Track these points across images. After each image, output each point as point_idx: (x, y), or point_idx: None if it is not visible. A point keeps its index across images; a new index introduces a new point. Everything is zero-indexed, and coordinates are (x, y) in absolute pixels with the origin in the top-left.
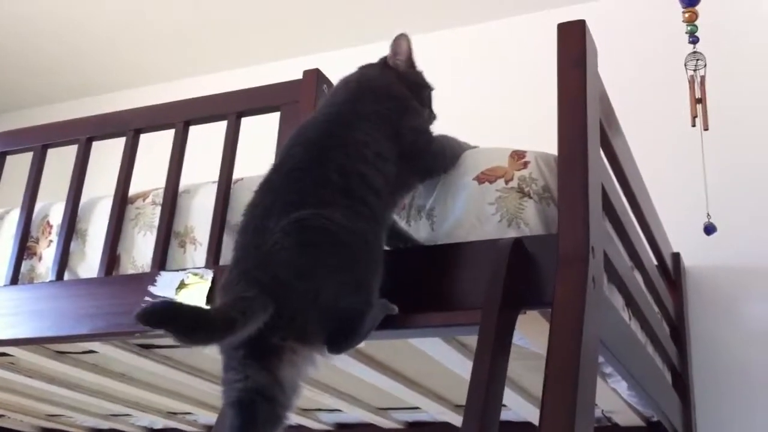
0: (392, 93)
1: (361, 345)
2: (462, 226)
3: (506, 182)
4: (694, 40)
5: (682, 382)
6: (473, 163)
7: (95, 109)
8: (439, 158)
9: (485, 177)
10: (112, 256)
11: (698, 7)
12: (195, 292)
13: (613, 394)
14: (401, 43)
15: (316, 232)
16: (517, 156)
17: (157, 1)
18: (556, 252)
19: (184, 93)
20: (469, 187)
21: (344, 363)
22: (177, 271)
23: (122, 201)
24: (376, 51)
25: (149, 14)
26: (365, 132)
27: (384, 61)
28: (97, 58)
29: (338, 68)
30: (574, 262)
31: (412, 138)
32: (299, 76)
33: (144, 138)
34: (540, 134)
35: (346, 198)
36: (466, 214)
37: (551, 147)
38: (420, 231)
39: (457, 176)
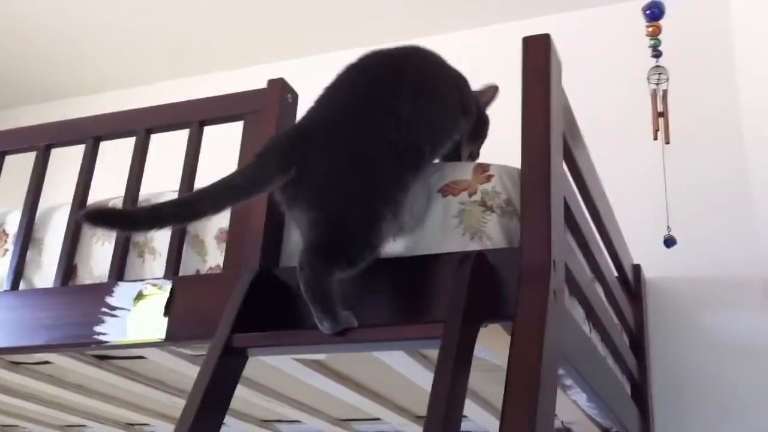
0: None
1: (321, 356)
2: (425, 238)
3: (470, 195)
4: (657, 54)
5: (640, 393)
6: (437, 175)
7: (58, 114)
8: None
9: (449, 189)
10: (69, 266)
11: (662, 22)
12: (153, 304)
13: (572, 406)
14: (489, 91)
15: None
16: (481, 169)
17: (122, 7)
18: (518, 265)
19: (148, 99)
20: (433, 200)
21: (304, 374)
22: (135, 281)
23: (80, 210)
24: (341, 59)
25: (114, 19)
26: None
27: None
28: (62, 62)
29: (304, 76)
30: (536, 276)
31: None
32: (264, 84)
33: (104, 145)
34: (504, 146)
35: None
36: (430, 226)
37: (515, 159)
38: None
39: (421, 188)
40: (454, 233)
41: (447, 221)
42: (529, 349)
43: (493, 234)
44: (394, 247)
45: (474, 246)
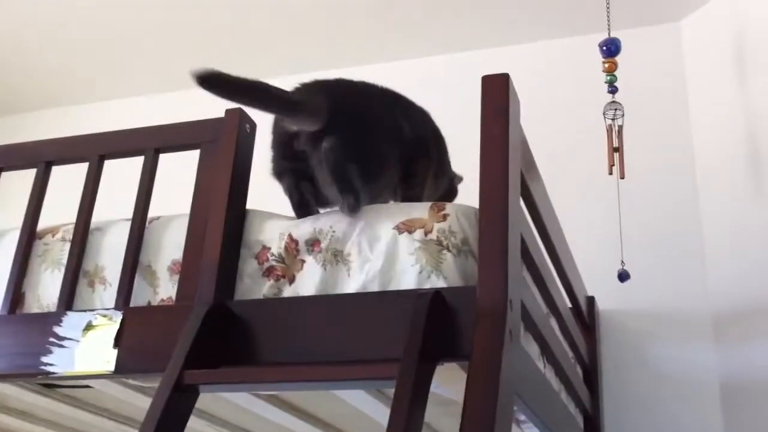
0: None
1: (278, 393)
2: (381, 274)
3: (426, 234)
4: (613, 89)
5: (593, 426)
6: (393, 212)
7: (7, 129)
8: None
9: (405, 227)
10: (16, 294)
11: (618, 58)
12: (103, 334)
13: None
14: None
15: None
16: (437, 208)
17: (82, 18)
18: (474, 304)
19: (101, 116)
20: (388, 236)
21: (258, 406)
22: (85, 311)
23: (30, 236)
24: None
25: (74, 32)
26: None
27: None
28: (9, 76)
29: None
30: (492, 315)
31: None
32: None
33: (56, 170)
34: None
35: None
36: (385, 263)
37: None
38: (336, 277)
39: (377, 223)
40: (410, 271)
41: (403, 258)
42: (484, 389)
43: (448, 273)
44: (349, 283)
45: (430, 284)
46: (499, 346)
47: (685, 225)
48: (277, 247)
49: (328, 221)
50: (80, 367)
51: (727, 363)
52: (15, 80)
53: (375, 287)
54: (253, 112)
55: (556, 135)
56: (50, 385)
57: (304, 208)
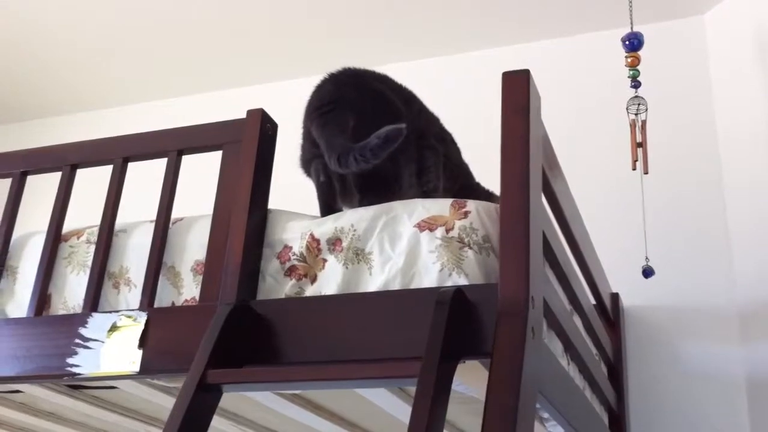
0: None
1: (300, 392)
2: (402, 273)
3: (447, 231)
4: (636, 84)
5: (618, 424)
6: (413, 211)
7: (34, 134)
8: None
9: (426, 225)
10: (42, 296)
11: (641, 53)
12: (128, 335)
13: None
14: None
15: None
16: (458, 205)
17: (104, 22)
18: (496, 301)
19: (126, 120)
20: (410, 234)
21: (280, 405)
22: (110, 312)
23: (55, 238)
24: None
25: (96, 36)
26: None
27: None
28: (35, 81)
29: (286, 99)
30: (514, 313)
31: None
32: (242, 105)
33: (81, 173)
34: (483, 177)
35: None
36: (406, 261)
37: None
38: (358, 275)
39: (398, 222)
40: (432, 269)
41: (424, 256)
42: (506, 386)
43: (470, 270)
44: (371, 282)
45: (451, 282)
46: (521, 344)
47: (710, 220)
48: (298, 246)
49: (350, 219)
50: (105, 368)
51: (754, 359)
52: (37, 86)
53: (396, 286)
54: (275, 113)
55: (579, 131)
56: (77, 386)
57: (327, 189)
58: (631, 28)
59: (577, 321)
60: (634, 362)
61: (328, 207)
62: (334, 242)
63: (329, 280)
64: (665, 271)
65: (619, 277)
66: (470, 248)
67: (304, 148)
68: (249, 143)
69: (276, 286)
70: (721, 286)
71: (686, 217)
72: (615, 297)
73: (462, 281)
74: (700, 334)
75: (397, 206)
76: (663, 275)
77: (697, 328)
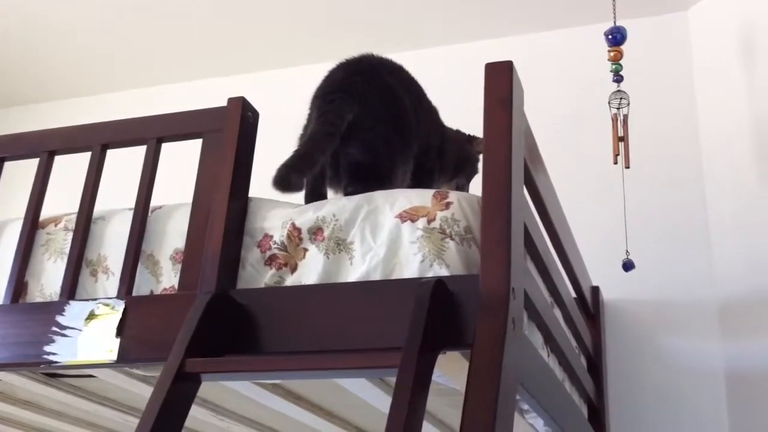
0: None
1: (280, 381)
2: (384, 263)
3: (428, 222)
4: (618, 78)
5: (598, 416)
6: (395, 201)
7: (13, 121)
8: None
9: (408, 216)
10: (19, 283)
11: (623, 47)
12: (105, 324)
13: (530, 430)
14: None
15: None
16: (440, 196)
17: (82, 11)
18: (477, 293)
19: (103, 108)
20: (391, 225)
21: (259, 395)
22: (87, 300)
23: (32, 225)
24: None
25: (75, 26)
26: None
27: (469, 138)
28: (13, 68)
29: (267, 89)
30: (495, 304)
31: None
32: (224, 98)
33: (59, 159)
34: None
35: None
36: (388, 251)
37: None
38: (338, 265)
39: (379, 213)
40: (413, 259)
41: (406, 247)
42: (486, 378)
43: (451, 261)
44: (352, 272)
45: (433, 272)
46: (502, 335)
47: (690, 214)
48: (279, 235)
49: (331, 209)
50: (83, 356)
51: (733, 354)
52: (18, 73)
53: (377, 276)
54: (256, 102)
55: (562, 124)
56: (54, 375)
57: (318, 172)
58: (614, 22)
59: (558, 313)
60: (614, 355)
61: (314, 190)
62: (316, 231)
63: (310, 270)
64: (645, 265)
65: (600, 270)
66: (452, 239)
67: (305, 129)
68: (230, 131)
69: (256, 275)
70: (700, 280)
71: (667, 211)
72: (595, 290)
73: (443, 272)
74: (680, 327)
75: (379, 197)
76: (643, 269)
77: (677, 322)
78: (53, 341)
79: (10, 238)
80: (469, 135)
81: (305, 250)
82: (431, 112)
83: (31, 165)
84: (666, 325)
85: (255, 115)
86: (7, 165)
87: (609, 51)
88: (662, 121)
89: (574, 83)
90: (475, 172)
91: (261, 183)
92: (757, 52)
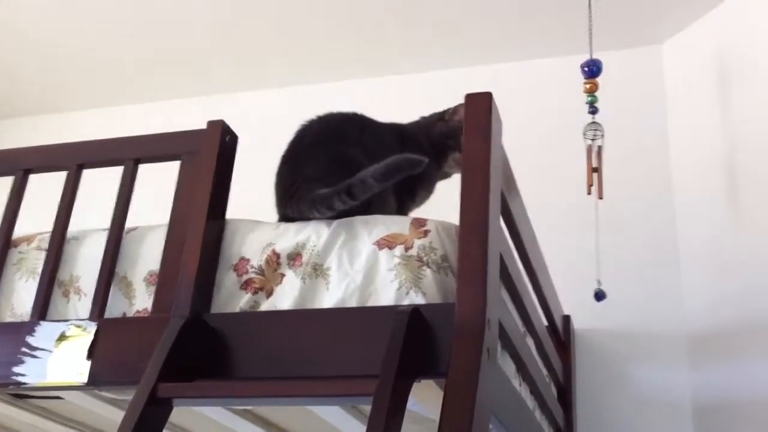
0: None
1: (253, 408)
2: (360, 290)
3: (406, 249)
4: (593, 110)
5: None
6: (373, 228)
7: None
8: None
9: (385, 242)
10: None
11: (599, 79)
12: (76, 345)
13: None
14: (462, 108)
15: None
16: (418, 224)
17: (63, 27)
18: (452, 321)
19: (84, 125)
20: (369, 252)
21: (229, 420)
22: (58, 321)
23: (5, 244)
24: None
25: (55, 40)
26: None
27: (442, 115)
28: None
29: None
30: (470, 334)
31: None
32: (201, 117)
33: (33, 178)
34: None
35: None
36: (365, 278)
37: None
38: (315, 290)
39: (357, 239)
40: (390, 287)
41: (382, 274)
42: (460, 407)
43: (428, 289)
44: (327, 298)
45: (409, 300)
46: (477, 365)
47: (662, 246)
48: (258, 259)
49: (310, 232)
50: (52, 378)
51: (701, 383)
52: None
53: (353, 303)
54: (234, 125)
55: (536, 154)
56: (22, 396)
57: None
58: (591, 55)
59: (530, 342)
60: (584, 384)
61: None
62: (294, 257)
63: (285, 295)
64: (616, 294)
65: (571, 299)
66: (429, 267)
67: None
68: (208, 154)
69: (230, 299)
70: (670, 311)
71: (639, 242)
72: (566, 319)
73: (419, 300)
74: (649, 358)
75: (358, 222)
76: (614, 299)
77: (647, 352)
78: (22, 362)
79: None
80: (441, 112)
81: (282, 275)
82: (377, 136)
83: (5, 183)
84: (635, 355)
85: (233, 138)
86: None
87: (585, 83)
88: (636, 153)
89: (550, 113)
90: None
91: (238, 207)
92: (730, 86)
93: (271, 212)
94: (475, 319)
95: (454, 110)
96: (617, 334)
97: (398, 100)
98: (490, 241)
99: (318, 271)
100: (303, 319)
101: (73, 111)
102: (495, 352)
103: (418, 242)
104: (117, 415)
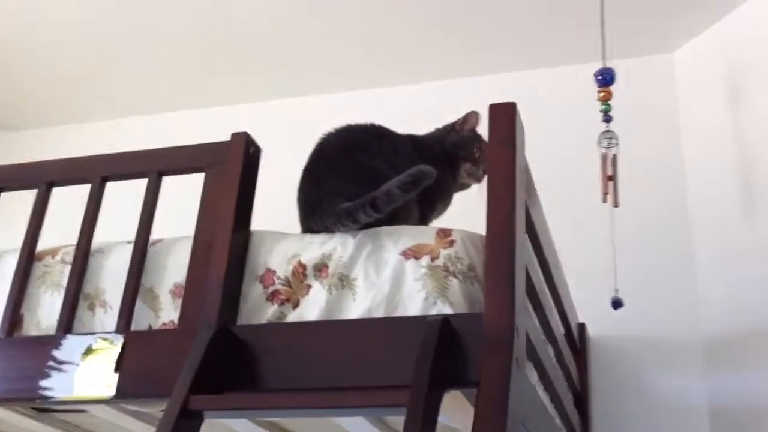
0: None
1: (276, 419)
2: (387, 300)
3: (432, 260)
4: (607, 119)
5: None
6: (399, 239)
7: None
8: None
9: (411, 253)
10: (14, 316)
11: (612, 88)
12: (103, 359)
13: None
14: (470, 117)
15: None
16: (444, 234)
17: (83, 36)
18: (480, 331)
19: (108, 135)
20: (395, 262)
21: (250, 430)
22: (85, 335)
23: (29, 257)
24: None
25: (76, 48)
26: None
27: (453, 125)
28: (13, 93)
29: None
30: (500, 343)
31: None
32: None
33: (57, 190)
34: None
35: None
36: (391, 289)
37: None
38: (341, 301)
39: (383, 249)
40: (416, 297)
41: (409, 285)
42: (493, 417)
43: (455, 299)
44: (354, 308)
45: (436, 310)
46: (507, 374)
47: (677, 253)
48: (284, 271)
49: (336, 243)
50: (79, 391)
51: (717, 390)
52: (13, 97)
53: (380, 313)
54: (259, 139)
55: (551, 163)
56: (44, 409)
57: None
58: (604, 63)
59: (550, 350)
60: (599, 391)
61: None
62: (321, 268)
63: (312, 306)
64: (631, 302)
65: (586, 307)
66: (455, 277)
67: None
68: (232, 166)
69: (257, 310)
70: (686, 317)
71: (653, 249)
72: (582, 327)
73: (446, 310)
74: (665, 364)
75: (383, 233)
76: (629, 306)
77: (662, 359)
78: (49, 376)
79: (5, 270)
80: (453, 122)
81: (309, 286)
82: (395, 146)
83: (28, 196)
84: (651, 362)
85: (257, 149)
86: (4, 195)
87: (599, 92)
88: (650, 160)
89: (564, 122)
90: (475, 147)
91: (263, 218)
92: (741, 94)
93: (289, 224)
94: (505, 327)
95: (464, 119)
96: (633, 341)
97: (407, 111)
98: (517, 251)
99: (344, 281)
100: (330, 329)
101: (95, 122)
102: (523, 360)
103: (444, 252)
104: (139, 428)
